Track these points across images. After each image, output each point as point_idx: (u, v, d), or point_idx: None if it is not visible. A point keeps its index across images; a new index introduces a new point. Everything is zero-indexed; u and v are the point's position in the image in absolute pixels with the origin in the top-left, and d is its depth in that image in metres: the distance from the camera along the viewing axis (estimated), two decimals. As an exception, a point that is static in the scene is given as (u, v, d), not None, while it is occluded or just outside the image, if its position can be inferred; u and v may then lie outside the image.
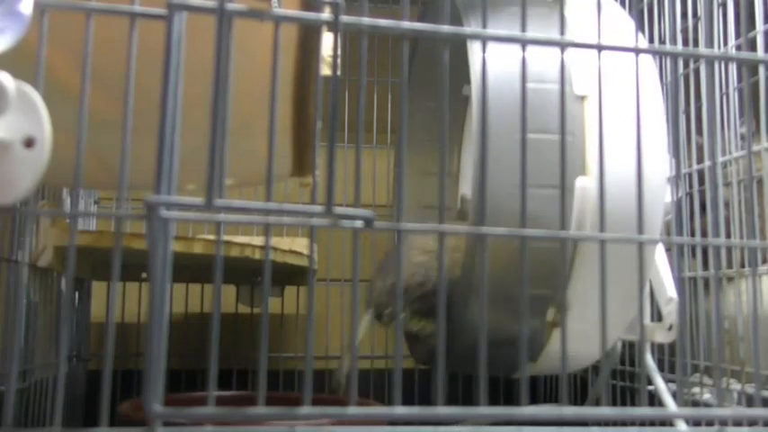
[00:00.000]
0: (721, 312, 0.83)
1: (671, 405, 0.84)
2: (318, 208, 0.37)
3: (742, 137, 0.88)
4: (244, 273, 1.06)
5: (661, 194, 0.77)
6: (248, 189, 1.03)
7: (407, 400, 0.36)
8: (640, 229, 0.43)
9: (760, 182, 0.81)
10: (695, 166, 0.94)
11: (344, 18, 0.38)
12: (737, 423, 0.43)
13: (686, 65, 0.96)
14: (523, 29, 0.42)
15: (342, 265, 1.22)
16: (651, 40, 1.00)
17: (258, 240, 0.96)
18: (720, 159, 0.89)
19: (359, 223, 0.37)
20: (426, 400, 1.18)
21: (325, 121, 0.39)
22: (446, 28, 0.40)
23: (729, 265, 0.86)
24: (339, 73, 0.39)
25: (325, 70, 0.46)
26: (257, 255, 0.87)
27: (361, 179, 0.39)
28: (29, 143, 0.38)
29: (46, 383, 0.91)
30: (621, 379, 1.05)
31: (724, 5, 0.88)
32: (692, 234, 0.93)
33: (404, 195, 0.99)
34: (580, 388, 1.20)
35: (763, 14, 0.80)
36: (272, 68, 0.37)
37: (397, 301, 0.50)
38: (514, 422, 0.39)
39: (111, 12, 0.39)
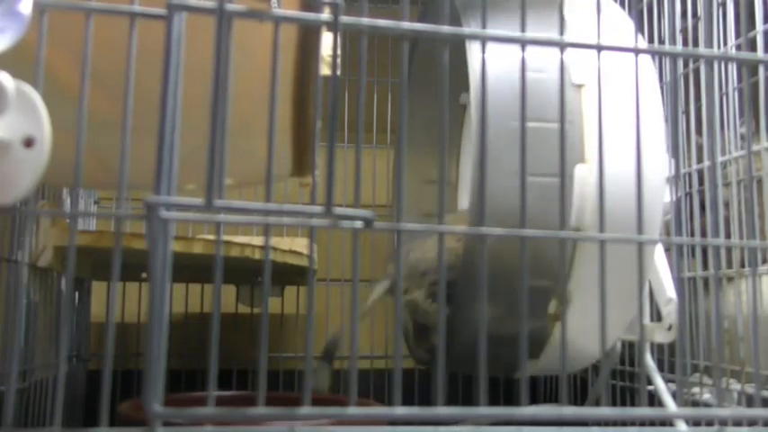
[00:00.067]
0: (721, 312, 0.83)
1: (671, 405, 0.84)
2: (318, 208, 0.37)
3: (742, 137, 0.88)
4: (244, 273, 1.06)
5: (660, 194, 0.77)
6: (248, 189, 1.03)
7: (407, 400, 0.36)
8: (640, 230, 0.43)
9: (760, 182, 0.81)
10: (695, 166, 0.94)
11: (344, 18, 0.38)
12: (737, 423, 0.43)
13: (686, 65, 0.96)
14: (523, 29, 0.42)
15: (342, 265, 1.22)
16: (651, 40, 1.00)
17: (258, 240, 0.96)
18: (720, 159, 0.89)
19: (359, 223, 0.37)
20: (426, 400, 1.18)
21: (325, 121, 0.39)
22: (446, 28, 0.40)
23: (729, 265, 0.86)
24: (339, 73, 0.39)
25: (325, 70, 0.46)
26: (257, 255, 0.87)
27: (361, 179, 0.39)
28: (29, 143, 0.38)
29: (46, 383, 0.91)
30: (621, 379, 1.05)
31: (724, 5, 0.88)
32: (692, 234, 0.94)
33: (403, 197, 0.99)
34: (580, 388, 1.20)
35: (763, 14, 0.80)
36: (271, 69, 0.37)
37: (398, 300, 0.50)
38: (514, 422, 0.39)
39: (110, 12, 0.39)
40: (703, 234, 0.92)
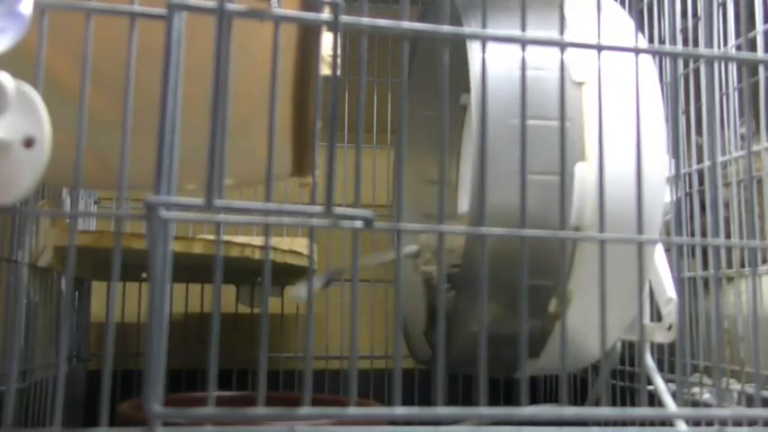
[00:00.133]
0: (721, 312, 0.83)
1: (671, 405, 0.84)
2: (318, 208, 0.37)
3: (742, 137, 0.88)
4: (244, 273, 1.06)
5: (660, 194, 0.77)
6: (248, 189, 1.03)
7: (407, 400, 0.36)
8: (640, 229, 0.43)
9: (760, 182, 0.81)
10: (695, 166, 0.94)
11: (344, 18, 0.38)
12: (737, 423, 0.43)
13: (686, 65, 0.96)
14: (523, 29, 0.42)
15: (342, 266, 1.22)
16: (651, 40, 1.00)
17: (258, 240, 0.96)
18: (720, 159, 0.89)
19: (359, 223, 0.37)
20: (426, 400, 1.18)
21: (325, 121, 0.39)
22: (446, 28, 0.40)
23: (729, 265, 0.86)
24: (339, 73, 0.39)
25: (325, 70, 0.46)
26: (257, 255, 0.87)
27: (361, 179, 0.39)
28: (29, 143, 0.38)
29: (46, 383, 0.91)
30: (621, 379, 1.05)
31: (724, 5, 0.88)
32: (692, 234, 0.94)
33: (403, 197, 0.99)
34: (580, 388, 1.20)
35: (763, 14, 0.80)
36: (271, 69, 0.37)
37: (398, 300, 0.50)
38: (514, 422, 0.39)
39: (110, 12, 0.39)
40: (703, 234, 0.92)
